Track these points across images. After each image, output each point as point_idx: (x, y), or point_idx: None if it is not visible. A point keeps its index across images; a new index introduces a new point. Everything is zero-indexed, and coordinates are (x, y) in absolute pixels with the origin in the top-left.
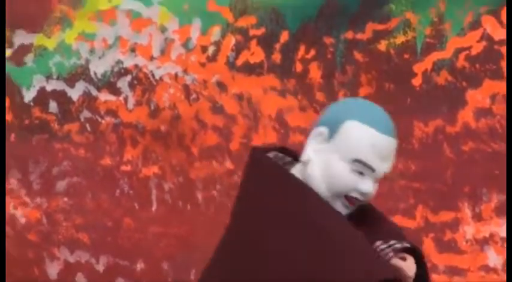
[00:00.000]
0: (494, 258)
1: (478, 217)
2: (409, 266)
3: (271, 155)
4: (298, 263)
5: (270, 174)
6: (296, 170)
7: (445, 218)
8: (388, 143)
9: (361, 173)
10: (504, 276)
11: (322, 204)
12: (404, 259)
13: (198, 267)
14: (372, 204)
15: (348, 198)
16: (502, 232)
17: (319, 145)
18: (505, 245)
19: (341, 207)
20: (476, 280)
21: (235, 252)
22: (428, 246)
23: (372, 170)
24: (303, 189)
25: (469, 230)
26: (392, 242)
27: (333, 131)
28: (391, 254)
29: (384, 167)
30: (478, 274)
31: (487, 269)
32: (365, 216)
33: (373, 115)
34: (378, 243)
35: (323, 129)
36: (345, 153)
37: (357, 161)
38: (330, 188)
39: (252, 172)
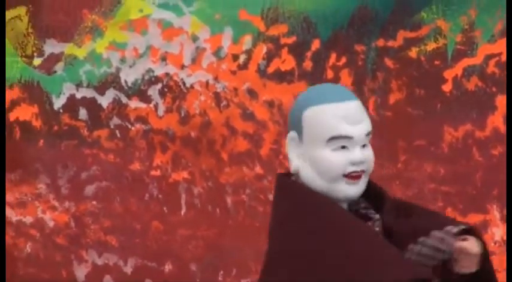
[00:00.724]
0: None
1: (506, 219)
2: (472, 244)
3: (294, 178)
4: (328, 273)
5: (297, 194)
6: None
7: (473, 220)
8: (350, 107)
9: (343, 147)
10: None
11: (347, 215)
12: (466, 240)
13: (225, 269)
14: (401, 199)
15: (347, 176)
16: None
17: (297, 150)
18: None
19: (346, 187)
20: (503, 281)
21: (274, 268)
22: None
23: (349, 138)
24: (328, 205)
25: (497, 231)
26: (447, 227)
27: (299, 130)
28: (453, 239)
29: (359, 129)
30: (505, 275)
31: None
32: (403, 210)
33: (324, 92)
34: (434, 232)
35: (292, 134)
36: (317, 140)
37: (332, 138)
38: (327, 178)
39: (281, 195)
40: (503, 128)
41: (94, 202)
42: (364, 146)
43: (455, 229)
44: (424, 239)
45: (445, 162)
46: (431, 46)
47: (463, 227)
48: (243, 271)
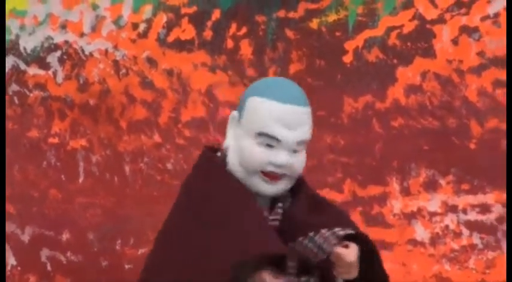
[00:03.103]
0: (422, 232)
1: (406, 192)
2: (349, 252)
3: (219, 153)
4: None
5: (205, 169)
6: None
7: (373, 192)
8: (290, 111)
9: (269, 146)
10: (431, 250)
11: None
12: (347, 247)
13: (123, 237)
14: (325, 198)
15: (264, 173)
16: (430, 206)
17: (235, 130)
18: (433, 219)
19: (261, 184)
20: (404, 254)
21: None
22: (355, 219)
23: (277, 140)
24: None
25: (396, 204)
26: (336, 229)
27: (241, 112)
28: (335, 241)
29: (292, 135)
30: (405, 248)
31: (414, 242)
32: (316, 207)
33: (274, 88)
34: (324, 230)
35: (234, 113)
36: (250, 129)
37: (261, 134)
38: (245, 167)
39: (198, 169)
40: (403, 100)
41: None
42: (294, 151)
43: (341, 232)
44: (313, 234)
45: (344, 133)
46: (332, 17)
47: (350, 231)
48: (140, 240)
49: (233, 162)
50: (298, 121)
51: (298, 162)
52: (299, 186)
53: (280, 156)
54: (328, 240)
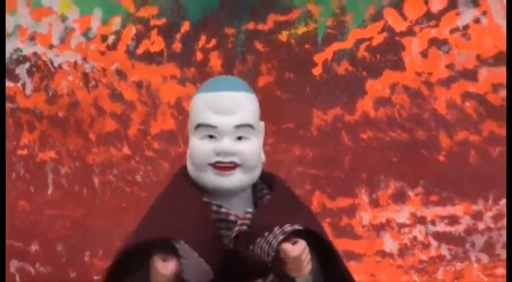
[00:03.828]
0: (390, 243)
1: (374, 203)
2: (294, 248)
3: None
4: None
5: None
6: None
7: (342, 204)
8: (222, 97)
9: (211, 137)
10: (400, 261)
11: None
12: (294, 242)
13: (92, 249)
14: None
15: (213, 165)
16: (398, 218)
17: (189, 134)
18: (401, 231)
19: (213, 177)
20: (372, 265)
21: None
22: None
23: (213, 127)
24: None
25: (365, 215)
26: (286, 225)
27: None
28: (280, 236)
29: (226, 119)
30: (373, 259)
31: (382, 254)
32: (283, 209)
33: (208, 82)
34: (276, 228)
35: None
36: (191, 127)
37: (197, 126)
38: (194, 165)
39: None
40: (372, 113)
41: None
42: (240, 138)
43: (289, 228)
44: (267, 233)
45: (313, 146)
46: (301, 30)
47: (298, 227)
48: (109, 252)
49: (189, 166)
50: (233, 106)
51: (246, 149)
52: (274, 184)
53: (223, 144)
54: (276, 237)
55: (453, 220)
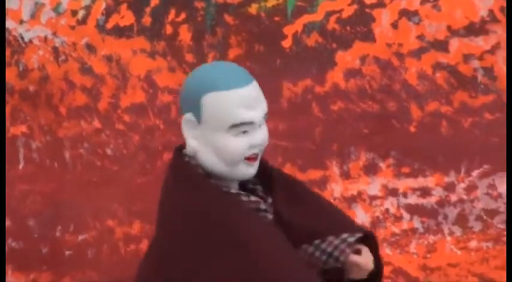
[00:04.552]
0: (362, 215)
1: (346, 175)
2: (366, 259)
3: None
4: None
5: (193, 183)
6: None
7: (313, 176)
8: (245, 92)
9: (244, 132)
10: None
11: (245, 213)
12: (359, 252)
13: (63, 223)
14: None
15: (247, 158)
16: (370, 190)
17: (194, 131)
18: (373, 203)
19: (245, 169)
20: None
21: (165, 267)
22: None
23: (250, 123)
24: (227, 200)
25: (336, 188)
26: (344, 235)
27: (197, 113)
28: (348, 250)
29: (259, 112)
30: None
31: None
32: (295, 198)
33: (223, 78)
34: (331, 238)
35: (188, 116)
36: (219, 126)
37: (235, 125)
38: (229, 163)
39: (175, 180)
40: (342, 84)
41: None
42: (260, 126)
43: (351, 238)
44: (319, 242)
45: (284, 118)
46: (271, 2)
47: (359, 235)
48: (80, 226)
49: (210, 164)
50: (259, 98)
51: (266, 134)
52: (263, 168)
53: (258, 137)
54: (339, 249)
55: (425, 192)
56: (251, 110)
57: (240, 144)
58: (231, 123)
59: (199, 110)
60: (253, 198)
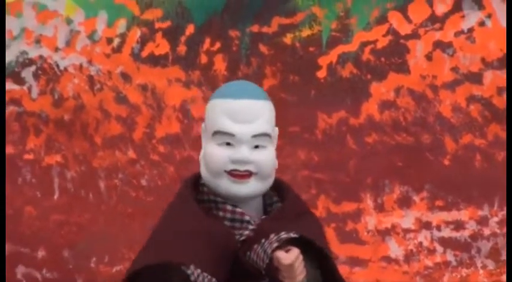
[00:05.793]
0: (396, 249)
1: (379, 208)
2: (287, 255)
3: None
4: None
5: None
6: None
7: (347, 209)
8: (242, 105)
9: (228, 144)
10: (405, 267)
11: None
12: (288, 250)
13: (98, 255)
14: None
15: (229, 173)
16: (403, 223)
17: (204, 139)
18: (406, 236)
19: (229, 184)
20: (378, 271)
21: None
22: (329, 236)
23: (232, 135)
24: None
25: (370, 220)
26: (282, 233)
27: (205, 120)
28: (275, 244)
29: (244, 128)
30: (379, 265)
31: (388, 259)
32: (291, 218)
33: (226, 87)
34: (272, 235)
35: (203, 124)
36: (208, 132)
37: (216, 132)
38: (210, 171)
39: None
40: (377, 115)
41: None
42: (257, 147)
43: (284, 235)
44: (264, 240)
45: (318, 149)
46: (306, 32)
47: (294, 235)
48: (115, 258)
49: (203, 171)
50: (251, 114)
51: (263, 158)
52: (284, 192)
53: (240, 152)
54: (271, 245)
55: (459, 225)
56: (236, 122)
57: (220, 154)
58: (214, 130)
59: (205, 117)
60: (239, 209)
